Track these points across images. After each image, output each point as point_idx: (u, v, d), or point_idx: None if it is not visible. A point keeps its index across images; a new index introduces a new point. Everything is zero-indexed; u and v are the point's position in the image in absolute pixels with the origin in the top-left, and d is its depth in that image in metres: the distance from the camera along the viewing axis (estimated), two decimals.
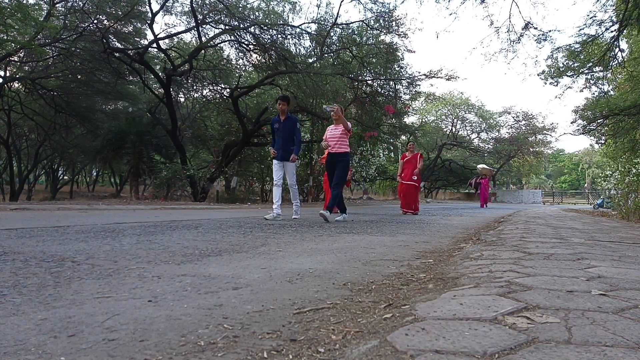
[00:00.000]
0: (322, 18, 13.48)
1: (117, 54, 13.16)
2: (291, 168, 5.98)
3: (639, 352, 0.86)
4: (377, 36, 13.84)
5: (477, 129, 35.97)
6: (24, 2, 11.25)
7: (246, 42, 13.52)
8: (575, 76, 11.89)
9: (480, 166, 21.61)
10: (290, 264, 2.18)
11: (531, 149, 33.75)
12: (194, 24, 12.65)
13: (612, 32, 9.92)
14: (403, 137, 26.43)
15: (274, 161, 6.00)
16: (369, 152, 18.45)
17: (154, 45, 13.28)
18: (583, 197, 40.86)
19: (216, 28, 13.31)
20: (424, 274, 1.98)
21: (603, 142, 16.98)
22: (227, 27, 12.89)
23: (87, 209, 7.12)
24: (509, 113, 34.23)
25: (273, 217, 5.52)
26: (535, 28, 9.98)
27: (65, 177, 30.99)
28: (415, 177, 8.74)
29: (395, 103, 15.19)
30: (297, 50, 13.61)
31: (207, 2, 12.64)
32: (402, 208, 8.68)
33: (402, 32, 13.14)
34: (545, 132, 32.93)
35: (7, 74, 15.75)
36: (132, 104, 19.10)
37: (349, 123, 6.05)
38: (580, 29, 10.72)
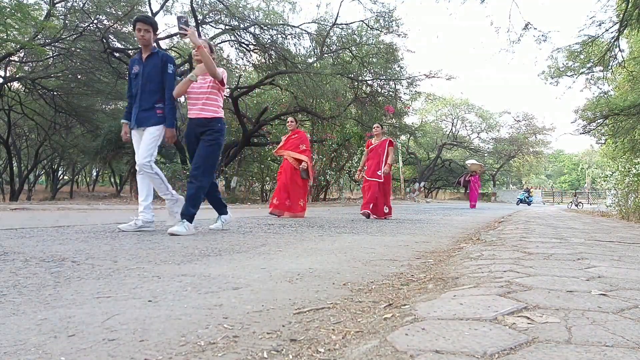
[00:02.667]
0: (322, 18, 13.51)
1: (117, 54, 13.16)
2: (148, 137, 3.64)
3: (639, 352, 0.86)
4: (377, 36, 13.85)
5: (477, 129, 36.00)
6: (24, 2, 11.24)
7: (246, 42, 13.52)
8: (575, 76, 11.89)
9: (469, 161, 19.14)
10: (290, 264, 2.18)
11: (531, 149, 33.77)
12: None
13: (612, 32, 9.92)
14: (403, 137, 26.44)
15: (132, 131, 3.78)
16: None
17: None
18: (583, 197, 40.83)
19: (216, 28, 13.32)
20: (424, 274, 1.98)
21: (603, 142, 16.99)
22: (227, 27, 12.90)
23: (87, 209, 7.12)
24: (509, 113, 34.27)
25: (135, 226, 3.56)
26: (535, 28, 9.98)
27: (65, 177, 30.98)
28: (381, 173, 6.62)
29: (395, 103, 15.20)
30: (297, 50, 13.62)
31: (207, 2, 12.64)
32: (363, 209, 6.53)
33: (402, 32, 13.16)
34: (545, 132, 32.97)
35: (7, 74, 15.75)
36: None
37: (220, 68, 3.78)
38: (581, 30, 10.72)
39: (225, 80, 3.79)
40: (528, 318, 1.09)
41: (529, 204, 22.73)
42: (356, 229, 4.45)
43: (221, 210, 4.06)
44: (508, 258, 2.22)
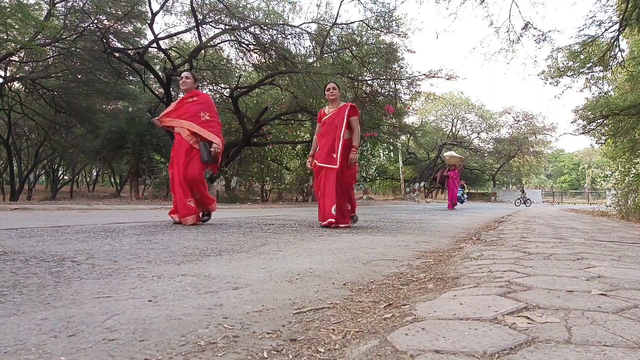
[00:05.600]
0: (322, 18, 13.50)
1: (117, 54, 13.16)
2: None
3: (639, 352, 0.86)
4: (377, 36, 13.85)
5: (477, 129, 36.01)
6: (24, 2, 11.25)
7: (246, 42, 13.52)
8: (575, 76, 11.89)
9: (447, 154, 15.47)
10: (290, 264, 2.18)
11: (531, 149, 33.79)
12: (194, 24, 12.65)
13: (612, 32, 9.93)
14: (403, 137, 26.45)
15: None
16: (369, 152, 18.45)
17: (154, 45, 13.28)
18: (583, 197, 40.87)
19: (216, 28, 13.31)
20: (424, 274, 1.98)
21: (603, 142, 16.99)
22: (227, 27, 12.89)
23: (87, 209, 7.12)
24: (509, 113, 34.28)
25: None
26: (535, 28, 9.98)
27: (65, 177, 30.98)
28: (336, 155, 4.51)
29: (395, 103, 15.20)
30: (297, 50, 13.61)
31: (207, 2, 12.64)
32: (324, 219, 4.52)
33: (402, 32, 13.16)
34: (545, 132, 32.99)
35: (7, 74, 15.75)
36: (132, 104, 19.09)
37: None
38: (580, 30, 10.73)
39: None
40: (528, 318, 1.09)
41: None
42: (356, 229, 4.45)
43: None
44: (508, 258, 2.22)
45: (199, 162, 4.36)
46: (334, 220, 4.43)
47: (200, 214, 4.51)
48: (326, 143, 4.65)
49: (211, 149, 4.39)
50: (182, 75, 4.62)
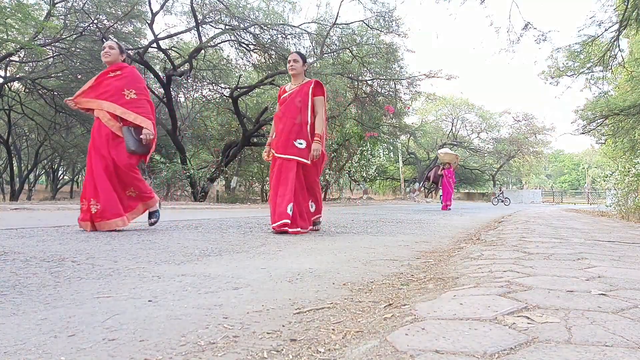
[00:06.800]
0: (321, 18, 13.51)
1: None
2: None
3: (639, 352, 0.86)
4: (377, 36, 13.85)
5: (477, 129, 36.03)
6: (24, 2, 11.25)
7: (246, 42, 13.53)
8: (575, 76, 11.90)
9: (441, 151, 14.25)
10: (290, 263, 2.18)
11: (531, 149, 33.81)
12: (194, 24, 12.65)
13: (612, 32, 9.93)
14: (403, 137, 26.45)
15: None
16: (369, 152, 18.45)
17: (154, 45, 13.29)
18: (583, 197, 40.89)
19: (216, 28, 13.32)
20: (424, 274, 1.98)
21: (603, 142, 17.00)
22: (227, 27, 12.90)
23: None
24: (509, 113, 34.30)
25: None
26: (535, 28, 9.97)
27: (66, 177, 30.98)
28: (302, 145, 3.75)
29: (395, 103, 15.21)
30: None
31: (207, 2, 12.65)
32: (277, 222, 3.60)
33: (402, 32, 13.17)
34: (545, 132, 33.00)
35: (7, 74, 15.75)
36: None
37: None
38: (580, 29, 10.73)
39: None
40: (528, 318, 1.09)
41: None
42: (356, 229, 4.45)
43: None
44: (508, 258, 2.22)
45: (125, 152, 3.55)
46: (289, 221, 3.55)
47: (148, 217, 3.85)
48: (284, 128, 3.79)
49: (141, 136, 3.58)
50: (105, 45, 3.77)
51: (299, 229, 3.67)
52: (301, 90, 3.85)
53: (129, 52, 4.60)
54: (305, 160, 3.73)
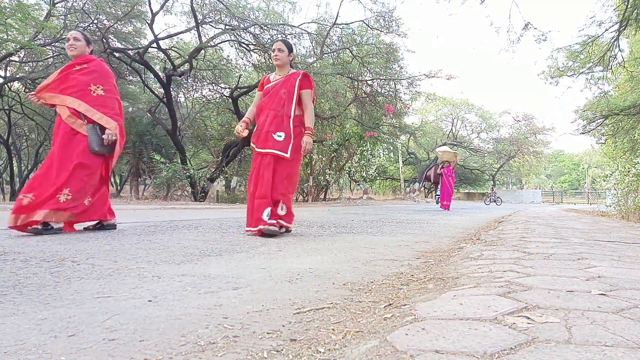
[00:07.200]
0: (321, 18, 13.51)
1: (117, 54, 13.17)
2: None
3: (639, 352, 0.86)
4: (377, 36, 13.86)
5: (477, 129, 36.04)
6: (24, 2, 11.25)
7: (246, 42, 13.52)
8: (575, 76, 11.90)
9: (440, 149, 13.73)
10: (290, 264, 2.18)
11: (531, 149, 33.81)
12: (194, 24, 12.65)
13: (612, 32, 9.93)
14: (403, 137, 26.45)
15: None
16: (369, 152, 18.46)
17: (154, 45, 13.29)
18: (583, 197, 40.89)
19: (216, 28, 13.32)
20: (424, 274, 1.98)
21: (603, 142, 17.00)
22: (227, 27, 12.90)
23: None
24: (509, 113, 34.32)
25: None
26: (535, 28, 9.98)
27: None
28: (280, 137, 3.47)
29: (395, 103, 15.21)
30: (297, 50, 13.61)
31: (207, 2, 12.65)
32: (253, 225, 3.41)
33: (402, 32, 13.17)
34: (545, 132, 33.02)
35: (7, 74, 15.75)
36: (132, 104, 19.08)
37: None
38: (581, 30, 10.73)
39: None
40: (528, 318, 1.09)
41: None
42: (356, 229, 4.45)
43: None
44: (508, 258, 2.22)
45: (82, 151, 3.29)
46: (267, 226, 3.29)
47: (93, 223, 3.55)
48: (266, 120, 3.54)
49: (103, 136, 3.37)
50: (69, 35, 3.51)
51: (276, 225, 3.37)
52: (287, 81, 3.61)
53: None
54: (282, 154, 3.43)
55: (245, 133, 3.65)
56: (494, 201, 22.43)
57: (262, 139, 3.52)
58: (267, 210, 3.36)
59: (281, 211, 3.48)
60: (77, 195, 3.27)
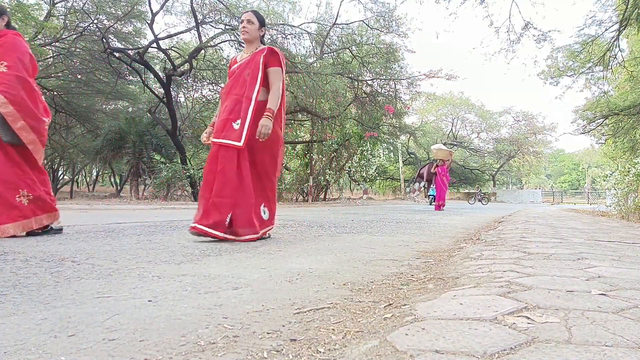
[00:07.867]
0: (321, 18, 13.52)
1: (117, 54, 13.18)
2: None
3: (639, 352, 0.86)
4: (377, 36, 13.86)
5: (477, 129, 36.05)
6: (24, 2, 11.25)
7: None
8: (575, 76, 11.91)
9: (435, 147, 13.21)
10: (290, 263, 2.18)
11: (531, 149, 33.83)
12: (194, 24, 12.66)
13: (612, 32, 9.93)
14: (403, 137, 26.46)
15: None
16: (369, 152, 18.46)
17: (154, 45, 13.30)
18: (583, 197, 40.89)
19: (216, 28, 13.32)
20: (424, 274, 1.98)
21: (603, 142, 17.01)
22: (227, 27, 12.90)
23: (87, 209, 7.12)
24: (509, 113, 34.31)
25: None
26: (535, 28, 9.98)
27: (66, 177, 30.98)
28: (240, 125, 2.94)
29: (395, 103, 15.22)
30: (297, 50, 13.63)
31: (207, 2, 12.65)
32: (198, 224, 2.88)
33: (402, 32, 13.18)
34: (545, 132, 33.04)
35: None
36: (132, 104, 19.11)
37: None
38: (581, 29, 10.73)
39: None
40: (528, 318, 1.09)
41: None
42: (356, 229, 4.44)
43: None
44: (508, 258, 2.22)
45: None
46: (221, 234, 2.87)
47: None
48: (227, 107, 3.05)
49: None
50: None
51: (242, 236, 2.92)
52: (252, 60, 3.09)
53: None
54: (236, 144, 2.89)
55: (210, 141, 3.15)
56: (479, 200, 22.02)
57: (220, 127, 3.02)
58: (227, 218, 2.94)
59: (265, 215, 3.13)
60: None
